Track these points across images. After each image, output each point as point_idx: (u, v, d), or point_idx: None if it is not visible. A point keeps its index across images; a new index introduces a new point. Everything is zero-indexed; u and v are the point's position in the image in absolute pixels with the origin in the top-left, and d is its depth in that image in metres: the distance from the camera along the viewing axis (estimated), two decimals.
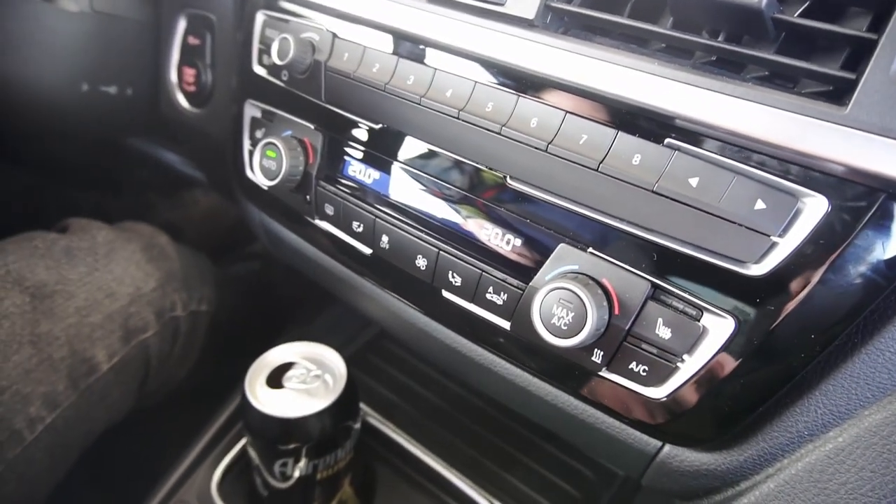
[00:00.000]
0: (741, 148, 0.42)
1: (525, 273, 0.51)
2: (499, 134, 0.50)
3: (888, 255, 0.38)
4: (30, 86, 0.77)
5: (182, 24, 0.82)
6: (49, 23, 0.76)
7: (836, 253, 0.39)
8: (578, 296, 0.45)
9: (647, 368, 0.46)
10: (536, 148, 0.48)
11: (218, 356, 0.95)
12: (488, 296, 0.53)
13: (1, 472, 0.64)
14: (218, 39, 0.79)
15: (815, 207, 0.39)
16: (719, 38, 0.46)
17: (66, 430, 0.71)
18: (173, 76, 0.84)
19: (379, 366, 0.96)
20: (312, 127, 0.64)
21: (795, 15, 0.43)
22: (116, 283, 0.79)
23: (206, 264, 0.98)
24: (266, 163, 0.63)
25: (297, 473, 0.70)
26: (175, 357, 0.87)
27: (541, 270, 0.49)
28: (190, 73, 0.81)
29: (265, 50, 0.68)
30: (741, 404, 0.46)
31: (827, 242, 0.39)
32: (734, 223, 0.41)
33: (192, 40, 0.80)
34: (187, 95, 0.83)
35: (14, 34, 0.75)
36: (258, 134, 0.70)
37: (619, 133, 0.45)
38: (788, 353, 0.43)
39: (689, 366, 0.45)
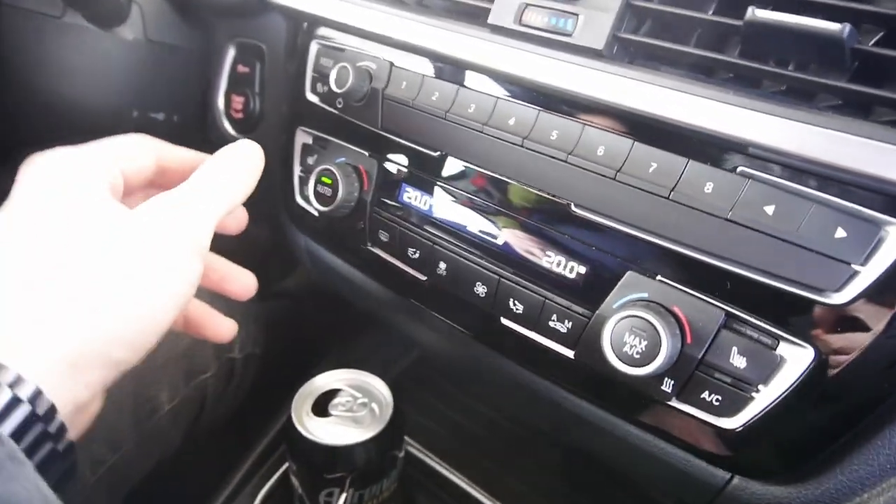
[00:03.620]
0: (819, 176, 0.42)
1: (590, 300, 0.50)
2: (565, 161, 0.50)
3: None
4: (84, 111, 0.78)
5: (231, 53, 0.83)
6: (105, 51, 0.77)
7: None
8: (652, 324, 0.44)
9: (720, 398, 0.46)
10: (604, 176, 0.49)
11: (258, 388, 0.95)
12: (551, 323, 0.52)
13: None
14: (268, 68, 0.80)
15: None
16: (789, 67, 0.46)
17: (125, 470, 0.71)
18: (220, 104, 0.85)
19: (417, 393, 0.95)
20: (367, 154, 0.64)
21: (871, 44, 0.43)
22: None
23: (256, 304, 0.98)
24: (321, 189, 0.63)
25: (341, 503, 0.69)
26: (228, 397, 0.87)
27: (608, 298, 0.49)
28: (238, 100, 0.82)
29: (319, 78, 0.69)
30: (818, 436, 0.45)
31: None
32: (813, 251, 0.41)
33: (242, 68, 0.82)
34: (234, 122, 0.85)
35: (72, 61, 0.77)
36: (310, 160, 0.70)
37: (690, 161, 0.46)
38: (870, 383, 0.42)
39: (765, 396, 0.44)
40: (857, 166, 0.40)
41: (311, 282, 0.86)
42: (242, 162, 0.47)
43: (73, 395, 0.36)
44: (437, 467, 0.81)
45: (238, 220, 0.53)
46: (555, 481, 0.83)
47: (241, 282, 0.53)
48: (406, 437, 0.84)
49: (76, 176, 0.41)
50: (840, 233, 0.41)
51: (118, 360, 0.38)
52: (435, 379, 0.97)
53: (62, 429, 0.35)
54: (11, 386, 0.32)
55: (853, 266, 0.40)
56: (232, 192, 0.45)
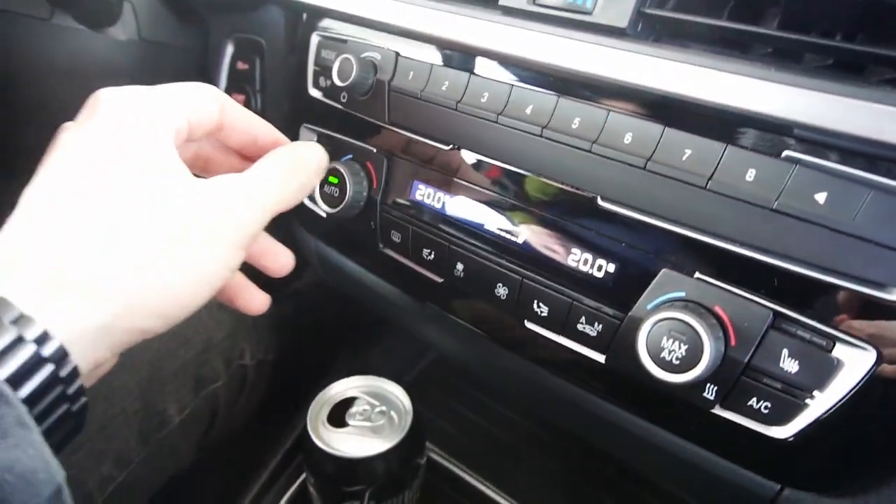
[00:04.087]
0: (876, 158, 0.37)
1: (622, 302, 0.46)
2: (589, 151, 0.46)
3: None
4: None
5: (230, 50, 0.80)
6: (98, 52, 0.74)
7: None
8: (692, 327, 0.40)
9: (769, 405, 0.42)
10: (633, 165, 0.44)
11: (272, 396, 0.92)
12: (580, 327, 0.49)
13: None
14: (268, 63, 0.76)
15: None
16: (836, 38, 0.42)
17: (136, 485, 0.69)
18: None
19: (435, 396, 0.92)
20: (375, 150, 0.61)
21: None
22: (192, 331, 0.77)
23: (271, 309, 0.95)
24: (328, 189, 0.60)
25: None
26: (240, 406, 0.84)
27: (641, 298, 0.45)
28: (239, 98, 0.79)
29: (321, 72, 0.65)
30: (878, 446, 0.41)
31: None
32: (872, 242, 0.37)
33: (241, 65, 0.78)
34: None
35: (64, 63, 0.74)
36: None
37: (729, 146, 0.41)
38: None
39: (821, 402, 0.40)
40: None
41: (322, 284, 0.82)
42: (308, 164, 0.46)
43: (96, 357, 0.35)
44: (457, 471, 0.78)
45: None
46: (578, 484, 0.79)
47: (280, 259, 0.51)
48: (429, 444, 0.81)
49: (144, 115, 0.38)
50: None
51: (147, 328, 0.37)
52: (452, 381, 0.93)
53: (80, 390, 0.34)
54: (37, 342, 0.31)
55: None
56: (292, 193, 0.44)
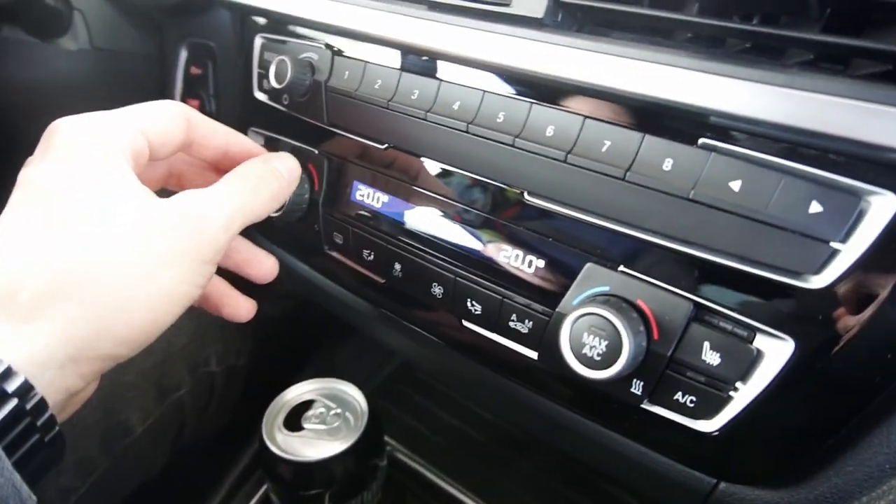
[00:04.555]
0: (789, 143, 0.36)
1: (551, 297, 0.46)
2: (512, 146, 0.46)
3: None
4: (35, 126, 0.75)
5: (184, 55, 0.79)
6: (50, 63, 0.74)
7: None
8: (611, 322, 0.40)
9: (694, 399, 0.41)
10: (554, 159, 0.44)
11: (245, 401, 0.92)
12: (512, 324, 0.48)
13: None
14: (220, 67, 0.76)
15: (882, 206, 0.34)
16: (753, 22, 0.41)
17: (100, 496, 0.69)
18: None
19: (408, 396, 0.92)
20: (316, 152, 0.60)
21: None
22: None
23: None
24: None
25: None
26: (211, 412, 0.84)
27: (568, 294, 0.45)
28: (194, 104, 0.78)
29: (265, 74, 0.65)
30: (807, 436, 0.40)
31: None
32: (786, 230, 0.36)
33: (195, 70, 0.78)
34: None
35: (16, 77, 0.74)
36: None
37: (646, 136, 0.41)
38: (861, 376, 0.37)
39: (744, 394, 0.39)
40: (832, 130, 0.35)
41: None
42: (278, 174, 0.46)
43: (67, 385, 0.35)
44: (427, 473, 0.77)
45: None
46: (548, 483, 0.79)
47: (264, 266, 0.51)
48: (395, 442, 0.81)
49: (98, 143, 0.38)
50: (815, 207, 0.35)
51: (116, 354, 0.37)
52: (423, 382, 0.93)
53: (51, 420, 0.34)
54: (0, 378, 0.31)
55: (832, 244, 0.35)
56: (260, 204, 0.44)
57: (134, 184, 0.39)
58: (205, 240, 0.39)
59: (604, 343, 0.40)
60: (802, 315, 0.37)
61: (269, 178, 0.45)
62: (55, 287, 0.34)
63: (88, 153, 0.38)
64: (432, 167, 0.51)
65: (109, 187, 0.37)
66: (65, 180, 0.36)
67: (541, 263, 0.46)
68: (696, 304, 0.40)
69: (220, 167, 0.48)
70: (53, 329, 0.34)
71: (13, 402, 0.31)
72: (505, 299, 0.48)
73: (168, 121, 0.43)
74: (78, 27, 0.74)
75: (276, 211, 0.59)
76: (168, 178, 0.49)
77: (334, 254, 0.61)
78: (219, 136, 0.47)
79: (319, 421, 0.67)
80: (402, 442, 0.81)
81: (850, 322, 0.36)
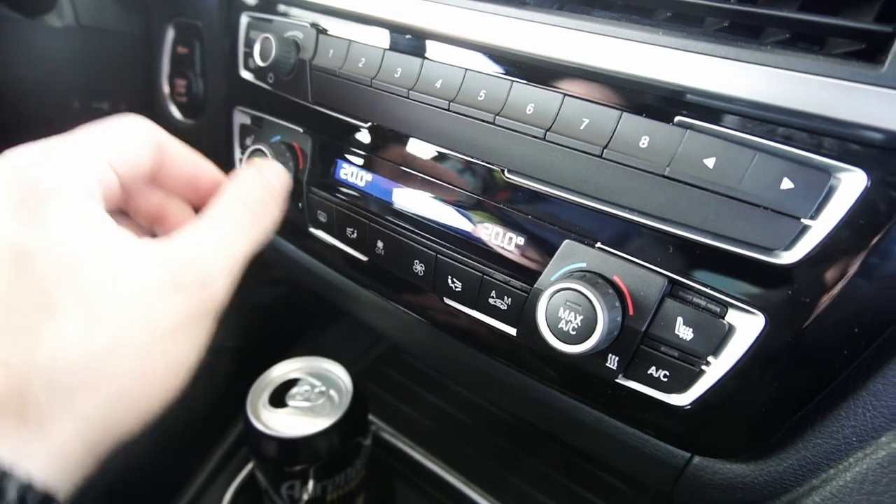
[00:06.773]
0: (762, 121, 0.37)
1: (529, 274, 0.46)
2: (493, 124, 0.46)
3: None
4: (20, 105, 0.75)
5: (171, 34, 0.79)
6: (35, 41, 0.74)
7: (880, 234, 0.34)
8: (587, 296, 0.40)
9: (668, 373, 0.42)
10: (534, 136, 0.44)
11: (228, 379, 0.92)
12: (491, 300, 0.49)
13: None
14: (206, 47, 0.76)
15: (851, 183, 0.34)
16: (732, 1, 0.41)
17: (85, 486, 0.69)
18: (165, 88, 0.81)
19: (395, 378, 0.92)
20: (301, 130, 0.60)
21: None
22: None
23: (239, 297, 0.94)
24: None
25: (305, 496, 0.67)
26: (196, 395, 0.84)
27: (546, 270, 0.45)
28: (181, 83, 0.78)
29: (250, 53, 0.65)
30: (776, 409, 0.41)
31: (867, 222, 0.34)
32: (758, 206, 0.37)
33: (181, 49, 0.78)
34: (180, 106, 0.81)
35: (2, 55, 0.73)
36: (248, 141, 0.67)
37: (624, 114, 0.41)
38: (829, 350, 0.38)
39: (716, 368, 0.40)
40: (805, 107, 0.36)
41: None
42: (273, 190, 0.41)
43: (84, 470, 0.32)
44: (413, 453, 0.78)
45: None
46: (531, 463, 0.79)
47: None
48: (380, 422, 0.82)
49: (60, 185, 0.32)
50: (786, 184, 0.36)
51: (126, 431, 0.34)
52: (409, 365, 0.94)
53: None
54: (21, 495, 0.28)
55: (802, 220, 0.36)
56: (263, 230, 0.39)
57: (116, 238, 0.33)
58: (213, 294, 0.35)
59: (579, 318, 0.41)
60: (773, 290, 0.37)
61: (269, 195, 0.40)
62: (65, 390, 0.30)
63: (57, 210, 0.32)
64: (415, 145, 0.52)
65: (93, 250, 0.32)
66: (39, 249, 0.31)
67: (520, 240, 0.47)
68: (671, 279, 0.41)
69: (188, 198, 0.43)
70: (68, 434, 0.30)
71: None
72: (485, 276, 0.48)
73: (138, 148, 0.38)
74: (64, 4, 0.74)
75: None
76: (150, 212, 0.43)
77: (318, 232, 0.61)
78: (189, 164, 0.42)
79: (304, 398, 0.68)
80: (387, 422, 0.81)
81: (819, 297, 0.36)
